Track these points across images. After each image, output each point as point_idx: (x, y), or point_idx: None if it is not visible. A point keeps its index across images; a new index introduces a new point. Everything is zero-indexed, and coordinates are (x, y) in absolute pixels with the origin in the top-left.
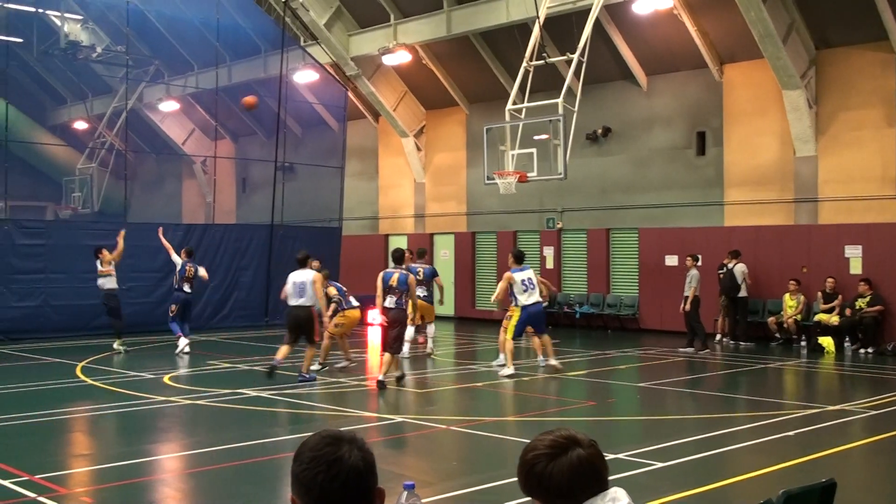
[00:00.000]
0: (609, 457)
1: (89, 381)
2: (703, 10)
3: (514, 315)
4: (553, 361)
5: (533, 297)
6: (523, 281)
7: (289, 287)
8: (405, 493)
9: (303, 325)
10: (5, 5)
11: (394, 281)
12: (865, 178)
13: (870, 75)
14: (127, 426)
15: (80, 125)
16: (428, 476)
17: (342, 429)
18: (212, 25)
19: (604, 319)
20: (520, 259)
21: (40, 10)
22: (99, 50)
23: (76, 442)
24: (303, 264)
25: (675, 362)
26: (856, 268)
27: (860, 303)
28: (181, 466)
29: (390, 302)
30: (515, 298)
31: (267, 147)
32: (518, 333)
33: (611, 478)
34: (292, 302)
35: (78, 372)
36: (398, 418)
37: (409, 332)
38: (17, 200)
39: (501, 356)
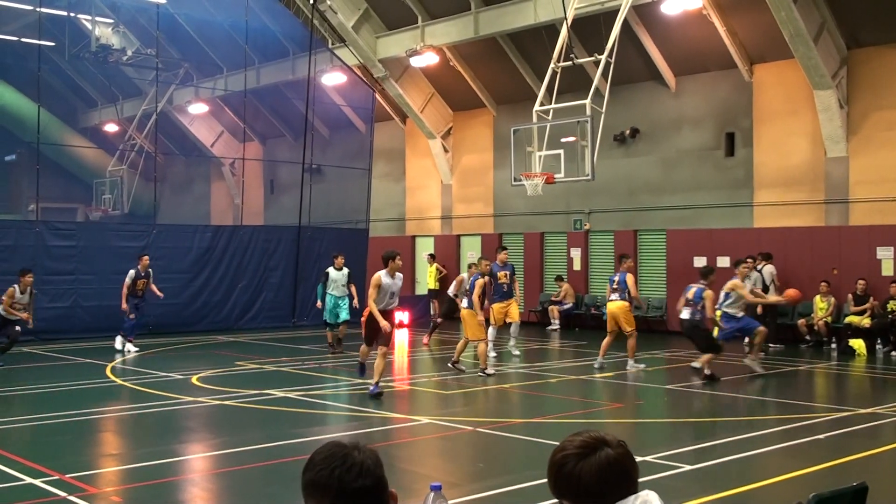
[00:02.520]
0: (637, 459)
1: (119, 381)
2: (733, 10)
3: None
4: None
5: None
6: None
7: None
8: (432, 494)
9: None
10: (38, 9)
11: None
12: None
13: None
14: (155, 426)
15: (111, 128)
16: (454, 478)
17: (346, 434)
18: (241, 28)
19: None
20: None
21: (72, 14)
22: (129, 53)
23: (106, 442)
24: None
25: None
26: (888, 269)
27: (892, 305)
28: (209, 466)
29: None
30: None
31: (295, 149)
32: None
33: (640, 480)
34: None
35: (108, 372)
36: (424, 419)
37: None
38: (48, 202)
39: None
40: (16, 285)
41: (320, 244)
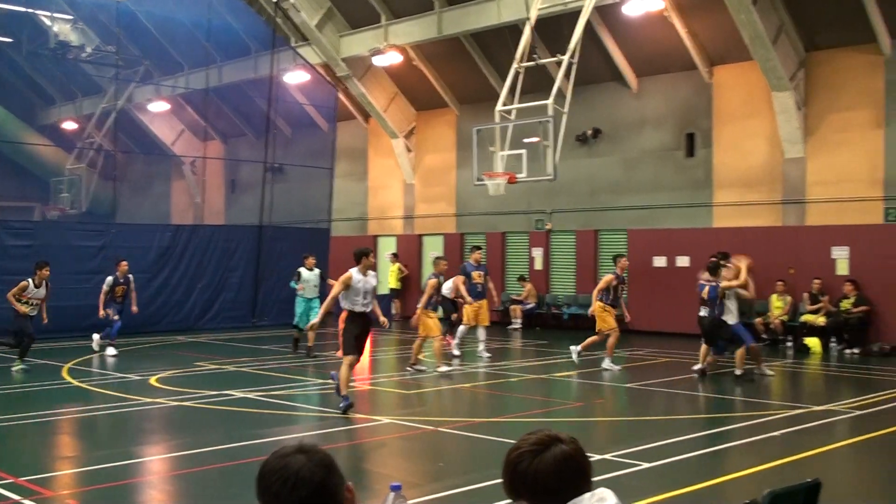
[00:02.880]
0: (596, 457)
1: (76, 382)
2: (694, 12)
3: None
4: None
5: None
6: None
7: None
8: (392, 494)
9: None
10: None
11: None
12: (853, 179)
13: (858, 77)
14: (113, 428)
15: (69, 125)
16: (414, 477)
17: (307, 435)
18: (202, 26)
19: (592, 321)
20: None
21: (30, 10)
22: (89, 50)
23: (61, 444)
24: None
25: (662, 363)
26: (842, 269)
27: (845, 304)
28: (167, 468)
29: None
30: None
31: (256, 148)
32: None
33: (597, 478)
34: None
35: (64, 373)
36: (385, 419)
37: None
38: (4, 201)
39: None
40: (30, 278)
41: (282, 244)
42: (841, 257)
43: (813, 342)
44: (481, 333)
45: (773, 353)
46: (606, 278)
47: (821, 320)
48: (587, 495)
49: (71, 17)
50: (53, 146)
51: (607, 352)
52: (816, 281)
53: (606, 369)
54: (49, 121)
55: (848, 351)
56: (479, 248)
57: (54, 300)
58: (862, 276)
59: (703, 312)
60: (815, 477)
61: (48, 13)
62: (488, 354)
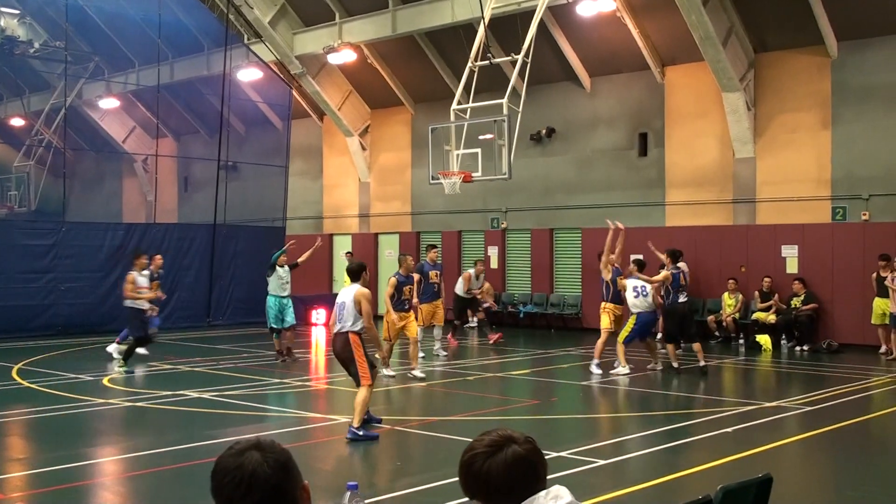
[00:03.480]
0: (551, 455)
1: (26, 383)
2: (646, 13)
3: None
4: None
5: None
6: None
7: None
8: (348, 493)
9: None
10: None
11: None
12: (801, 179)
13: (806, 79)
14: (65, 429)
15: (17, 122)
16: (372, 476)
17: (262, 434)
18: (153, 22)
19: (547, 319)
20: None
21: None
22: (37, 45)
23: (12, 446)
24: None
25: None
26: (792, 267)
27: (795, 301)
28: (120, 470)
29: None
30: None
31: (210, 145)
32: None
33: (553, 476)
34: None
35: (14, 374)
36: (342, 419)
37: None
38: None
39: (616, 363)
40: (132, 271)
41: (236, 242)
42: (790, 256)
43: (764, 339)
44: (437, 332)
45: (726, 351)
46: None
47: (771, 318)
48: (542, 493)
49: (18, 12)
50: (1, 143)
51: (595, 353)
52: (767, 279)
53: (592, 372)
54: None
55: (798, 348)
56: (434, 246)
57: (2, 300)
58: (810, 274)
59: (683, 298)
60: (767, 472)
61: None
62: (445, 353)
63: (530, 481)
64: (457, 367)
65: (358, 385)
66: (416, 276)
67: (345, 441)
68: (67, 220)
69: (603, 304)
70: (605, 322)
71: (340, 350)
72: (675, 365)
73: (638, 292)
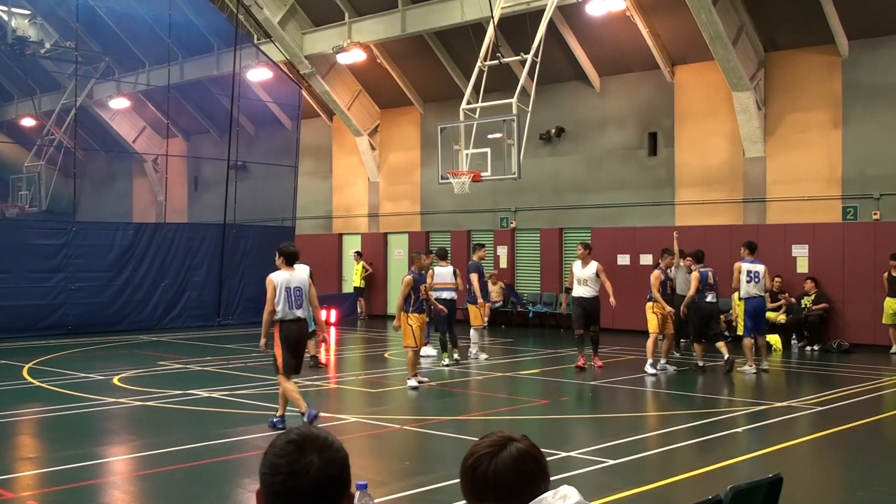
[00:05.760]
0: (561, 454)
1: (36, 382)
2: (655, 12)
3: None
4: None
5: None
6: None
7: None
8: (358, 492)
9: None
10: None
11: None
12: (812, 178)
13: (816, 78)
14: (75, 428)
15: (28, 122)
16: (381, 476)
17: (313, 427)
18: (164, 22)
19: (557, 318)
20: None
21: None
22: (48, 46)
23: (23, 445)
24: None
25: (626, 360)
26: (802, 267)
27: (806, 301)
28: (131, 469)
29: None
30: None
31: (219, 145)
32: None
33: (563, 475)
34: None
35: (25, 373)
36: (351, 418)
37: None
38: None
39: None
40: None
41: (245, 242)
42: (801, 255)
43: (774, 339)
44: (474, 335)
45: (736, 351)
46: (655, 274)
47: (782, 318)
48: (550, 493)
49: (29, 12)
50: (12, 143)
51: (647, 353)
52: (777, 279)
53: (648, 373)
54: (7, 118)
55: (808, 348)
56: (483, 245)
57: (13, 299)
58: (821, 274)
59: (711, 297)
60: (777, 472)
61: (5, 8)
62: (485, 355)
63: (537, 477)
64: (465, 367)
65: (277, 373)
66: (474, 276)
67: (353, 441)
68: (78, 220)
69: (649, 304)
70: (653, 323)
71: (305, 335)
72: (701, 364)
73: (751, 277)
